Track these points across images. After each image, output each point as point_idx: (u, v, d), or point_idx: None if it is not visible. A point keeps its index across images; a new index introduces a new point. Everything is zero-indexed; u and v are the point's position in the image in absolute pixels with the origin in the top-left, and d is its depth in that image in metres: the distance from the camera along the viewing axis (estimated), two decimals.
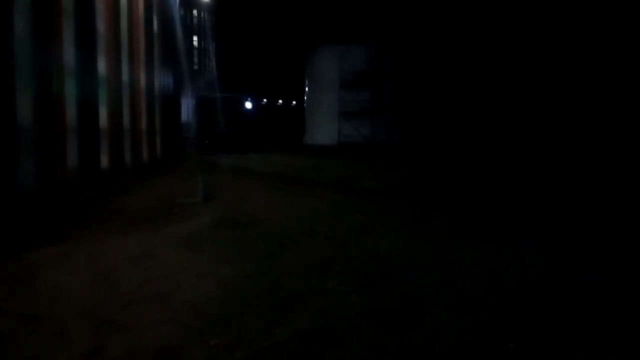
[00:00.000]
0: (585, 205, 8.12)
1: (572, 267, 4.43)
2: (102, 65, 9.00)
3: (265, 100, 44.85)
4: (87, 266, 4.35)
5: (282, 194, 9.37)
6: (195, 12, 62.50)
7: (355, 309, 3.36)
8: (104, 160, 9.06)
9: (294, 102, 47.35)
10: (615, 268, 4.42)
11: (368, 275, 4.14)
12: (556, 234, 5.88)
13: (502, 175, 13.02)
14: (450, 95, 17.95)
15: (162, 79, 15.45)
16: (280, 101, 49.02)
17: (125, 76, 10.67)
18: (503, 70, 15.38)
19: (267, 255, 4.80)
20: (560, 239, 5.62)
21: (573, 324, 3.11)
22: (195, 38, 63.24)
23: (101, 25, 8.99)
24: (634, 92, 11.58)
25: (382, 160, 18.99)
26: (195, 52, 63.29)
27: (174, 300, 3.50)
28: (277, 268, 4.35)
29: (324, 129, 31.67)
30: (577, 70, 12.88)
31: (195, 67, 62.23)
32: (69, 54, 7.40)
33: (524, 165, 13.51)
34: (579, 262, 4.61)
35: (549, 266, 4.44)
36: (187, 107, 41.39)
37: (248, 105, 27.28)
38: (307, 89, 35.22)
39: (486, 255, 4.80)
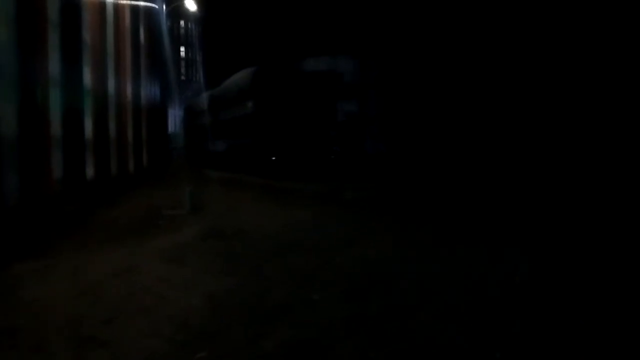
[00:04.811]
0: (577, 212, 8.13)
1: (560, 273, 4.43)
2: (88, 76, 8.94)
3: None
4: (70, 279, 4.29)
5: (269, 205, 9.34)
6: (182, 23, 62.67)
7: (340, 319, 3.34)
8: (90, 172, 8.97)
9: None
10: (605, 274, 4.43)
11: (353, 285, 4.12)
12: (547, 241, 5.88)
13: (492, 182, 13.03)
14: (438, 104, 18.21)
15: (149, 90, 15.41)
16: None
17: (111, 87, 10.63)
18: (490, 76, 15.48)
19: (253, 266, 4.77)
20: (550, 246, 5.62)
21: (559, 332, 3.11)
22: (182, 49, 63.39)
23: (87, 36, 8.94)
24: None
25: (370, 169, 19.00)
26: (183, 63, 63.37)
27: (159, 313, 3.45)
28: (263, 279, 4.32)
29: None
30: (568, 81, 12.97)
31: (183, 77, 62.28)
32: (54, 64, 7.34)
33: (515, 170, 13.51)
34: (567, 269, 4.62)
35: (535, 273, 4.44)
36: (174, 118, 41.17)
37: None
38: None
39: (472, 264, 4.79)
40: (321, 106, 16.12)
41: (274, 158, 15.69)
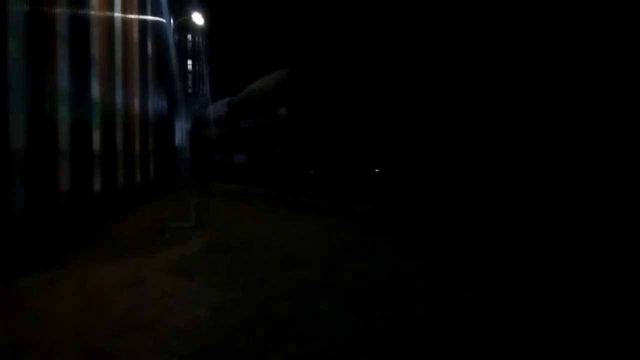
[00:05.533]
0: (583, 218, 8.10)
1: (571, 287, 4.40)
2: (96, 89, 9.02)
3: None
4: (76, 292, 4.30)
5: (275, 217, 9.34)
6: (189, 36, 63.28)
7: (347, 333, 3.32)
8: (97, 184, 9.01)
9: None
10: (616, 284, 4.40)
11: (360, 298, 4.10)
12: (556, 253, 5.85)
13: (492, 185, 12.97)
14: (432, 110, 17.97)
15: (156, 103, 15.51)
16: None
17: (119, 100, 10.70)
18: (480, 78, 15.48)
19: (259, 279, 4.75)
20: (560, 258, 5.59)
21: (570, 347, 3.08)
22: (190, 62, 63.95)
23: (96, 50, 9.04)
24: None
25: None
26: (190, 76, 63.91)
27: (165, 326, 3.45)
28: (269, 292, 4.30)
29: None
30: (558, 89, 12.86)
31: (190, 90, 62.77)
32: (63, 78, 7.41)
33: (515, 175, 13.35)
34: (578, 282, 4.59)
35: (545, 288, 4.40)
36: (181, 130, 41.44)
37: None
38: None
39: (481, 277, 4.76)
40: (366, 111, 14.18)
41: (311, 172, 13.92)
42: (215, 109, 22.60)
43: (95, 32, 9.04)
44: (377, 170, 14.34)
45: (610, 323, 3.52)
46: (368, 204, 11.03)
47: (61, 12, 7.41)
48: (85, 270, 5.09)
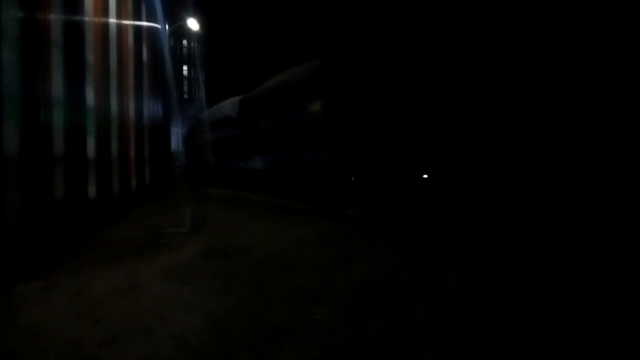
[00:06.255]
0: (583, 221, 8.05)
1: (567, 294, 4.39)
2: (90, 95, 8.99)
3: None
4: (71, 300, 4.27)
5: (271, 222, 9.30)
6: (185, 42, 63.29)
7: (342, 339, 3.31)
8: (92, 190, 8.97)
9: None
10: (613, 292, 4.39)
11: (356, 305, 4.08)
12: (553, 258, 5.83)
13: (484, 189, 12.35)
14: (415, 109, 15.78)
15: (152, 108, 15.48)
16: None
17: (114, 106, 10.68)
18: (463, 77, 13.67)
19: (254, 285, 4.73)
20: (557, 264, 5.58)
21: (566, 351, 3.07)
22: (185, 67, 63.93)
23: (90, 56, 9.02)
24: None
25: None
26: (185, 81, 63.89)
27: (159, 334, 3.43)
28: (264, 299, 4.28)
29: None
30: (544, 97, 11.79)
31: (185, 95, 62.73)
32: (57, 84, 7.39)
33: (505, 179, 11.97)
34: (575, 289, 4.57)
35: (541, 293, 4.39)
36: (177, 136, 41.38)
37: None
38: None
39: (476, 283, 4.75)
40: (426, 102, 11.31)
41: (353, 178, 11.50)
42: (221, 110, 20.36)
43: (90, 38, 9.03)
44: (426, 175, 11.48)
45: (605, 329, 3.52)
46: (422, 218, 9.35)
47: (55, 18, 7.40)
48: (80, 277, 5.07)
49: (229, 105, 19.28)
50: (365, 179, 11.43)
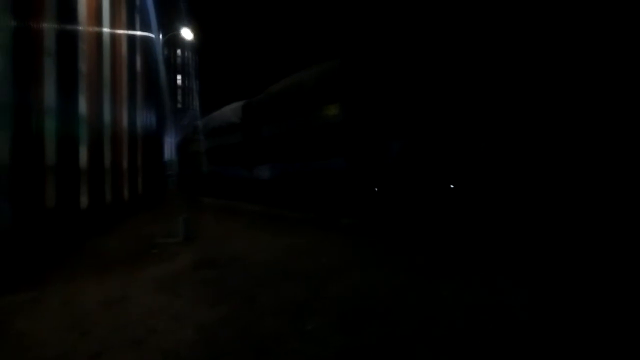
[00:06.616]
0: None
1: (560, 303, 4.37)
2: (83, 105, 8.97)
3: None
4: (60, 311, 4.22)
5: (264, 232, 9.25)
6: (179, 51, 63.38)
7: (335, 350, 3.28)
8: (84, 200, 8.92)
9: None
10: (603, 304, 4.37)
11: (348, 315, 4.05)
12: (547, 268, 5.81)
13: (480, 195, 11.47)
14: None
15: (145, 118, 15.45)
16: None
17: (107, 115, 10.65)
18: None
19: (247, 296, 4.69)
20: (550, 273, 5.56)
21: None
22: (179, 77, 63.99)
23: (83, 65, 9.00)
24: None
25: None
26: (179, 91, 63.91)
27: (149, 346, 3.38)
28: (256, 309, 4.24)
29: None
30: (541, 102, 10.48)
31: (179, 105, 62.73)
32: (49, 93, 7.37)
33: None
34: (567, 298, 4.56)
35: (534, 303, 4.37)
36: (170, 145, 41.31)
37: None
38: None
39: (470, 293, 4.73)
40: (455, 103, 10.10)
41: (376, 189, 10.26)
42: (221, 116, 19.15)
43: (83, 48, 9.02)
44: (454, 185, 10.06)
45: (599, 337, 3.51)
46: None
47: (48, 27, 7.39)
48: (70, 288, 5.02)
49: (230, 112, 18.23)
50: (390, 189, 10.20)
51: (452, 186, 9.97)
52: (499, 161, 10.01)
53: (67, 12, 8.30)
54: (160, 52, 18.27)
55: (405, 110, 10.29)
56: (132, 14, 13.74)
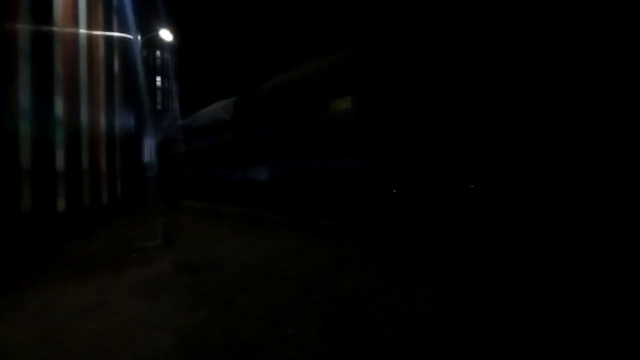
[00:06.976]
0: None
1: (547, 305, 4.39)
2: (59, 107, 8.81)
3: None
4: (35, 319, 4.12)
5: (246, 234, 9.17)
6: (158, 52, 62.77)
7: (315, 355, 3.25)
8: (61, 203, 8.75)
9: None
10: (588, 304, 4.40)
11: (331, 318, 4.02)
12: (534, 270, 5.83)
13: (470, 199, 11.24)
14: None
15: (123, 120, 15.25)
16: None
17: (84, 117, 10.48)
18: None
19: (227, 300, 4.64)
20: (537, 275, 5.58)
21: None
22: (158, 78, 63.34)
23: (59, 66, 8.84)
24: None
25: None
26: (159, 92, 63.27)
27: (127, 355, 3.32)
28: (237, 314, 4.20)
29: None
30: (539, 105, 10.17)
31: (159, 106, 62.09)
32: (24, 95, 7.22)
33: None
34: (555, 300, 4.58)
35: (519, 305, 4.39)
36: (149, 147, 40.89)
37: None
38: None
39: (453, 295, 4.73)
40: (477, 98, 9.47)
41: (394, 190, 9.27)
42: (208, 114, 17.84)
43: (59, 49, 8.86)
44: (474, 185, 9.57)
45: (585, 337, 3.53)
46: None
47: (23, 27, 7.24)
48: (46, 294, 4.91)
49: (219, 109, 16.82)
50: (410, 190, 9.44)
51: (472, 186, 9.47)
52: (523, 160, 9.54)
53: (42, 12, 8.15)
54: (139, 54, 18.06)
55: (424, 105, 9.69)
56: (109, 15, 13.55)
